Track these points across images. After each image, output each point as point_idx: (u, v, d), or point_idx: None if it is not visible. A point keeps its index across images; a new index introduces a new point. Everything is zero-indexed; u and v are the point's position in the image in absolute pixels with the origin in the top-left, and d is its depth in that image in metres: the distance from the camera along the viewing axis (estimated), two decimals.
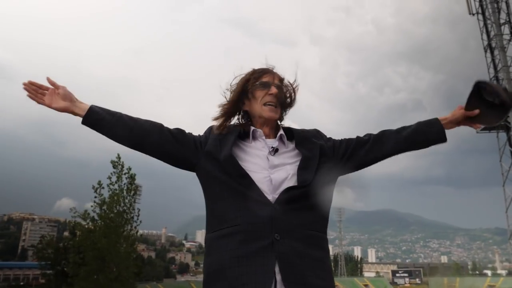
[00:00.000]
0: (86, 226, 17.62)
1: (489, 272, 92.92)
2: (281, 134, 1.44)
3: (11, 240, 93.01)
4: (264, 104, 1.41)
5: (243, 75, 1.48)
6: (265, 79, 1.44)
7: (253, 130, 1.42)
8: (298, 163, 1.35)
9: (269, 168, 1.32)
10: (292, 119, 1.60)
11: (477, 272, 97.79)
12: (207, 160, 1.37)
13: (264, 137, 1.42)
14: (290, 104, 1.52)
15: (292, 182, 1.30)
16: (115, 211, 17.51)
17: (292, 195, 1.25)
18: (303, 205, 1.26)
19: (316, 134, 1.50)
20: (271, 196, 1.26)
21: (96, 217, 17.30)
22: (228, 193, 1.28)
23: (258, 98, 1.42)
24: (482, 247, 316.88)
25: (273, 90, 1.41)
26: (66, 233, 25.07)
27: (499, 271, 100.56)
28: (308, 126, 1.54)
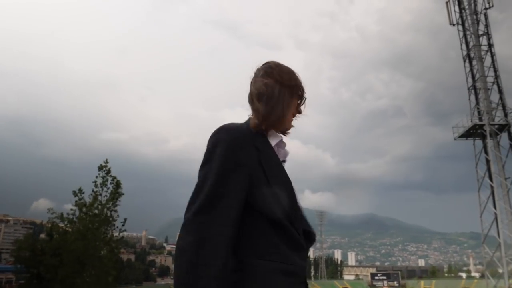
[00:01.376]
0: (64, 228, 17.19)
1: (464, 275, 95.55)
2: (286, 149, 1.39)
3: None
4: (293, 116, 1.39)
5: (291, 75, 1.37)
6: (304, 96, 1.41)
7: (280, 141, 1.34)
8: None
9: None
10: None
11: (453, 275, 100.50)
12: (254, 190, 1.19)
13: (283, 148, 1.36)
14: None
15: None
16: (96, 211, 17.18)
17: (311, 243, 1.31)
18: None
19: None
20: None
21: (75, 219, 16.95)
22: (280, 228, 1.20)
23: (291, 108, 1.37)
24: (458, 250, 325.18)
25: (302, 111, 1.42)
26: (42, 235, 24.16)
27: (473, 274, 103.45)
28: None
